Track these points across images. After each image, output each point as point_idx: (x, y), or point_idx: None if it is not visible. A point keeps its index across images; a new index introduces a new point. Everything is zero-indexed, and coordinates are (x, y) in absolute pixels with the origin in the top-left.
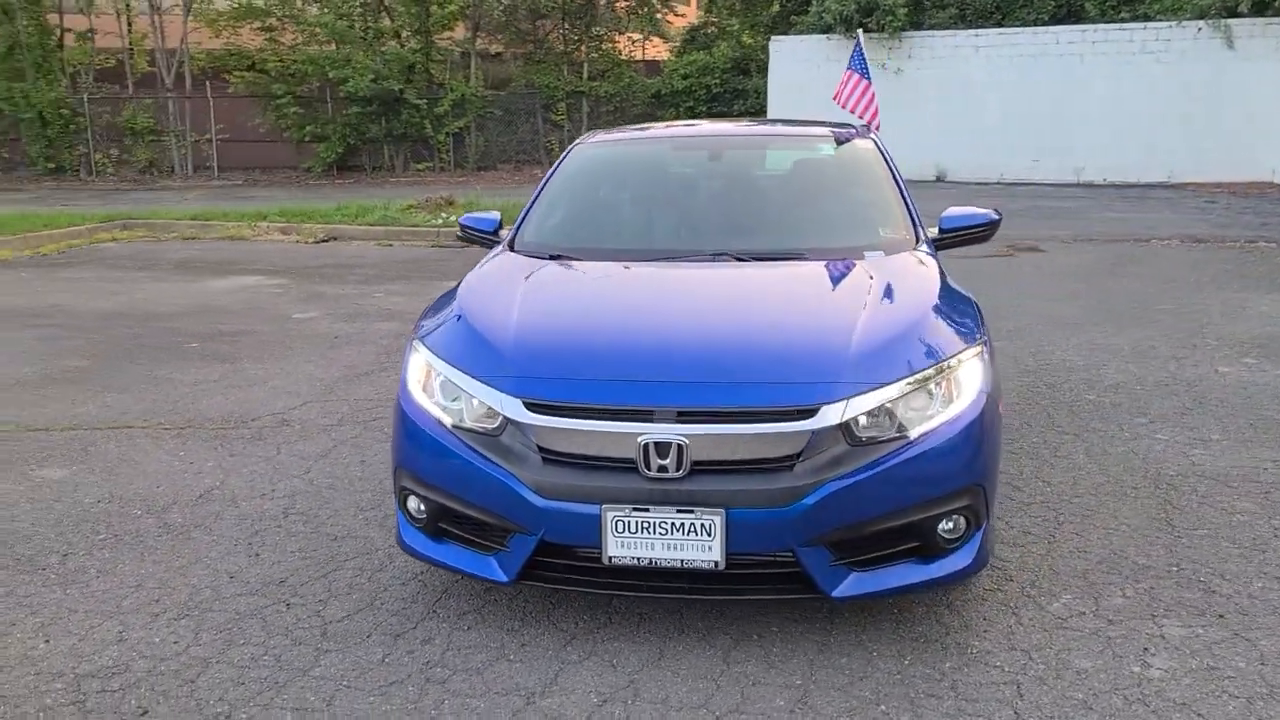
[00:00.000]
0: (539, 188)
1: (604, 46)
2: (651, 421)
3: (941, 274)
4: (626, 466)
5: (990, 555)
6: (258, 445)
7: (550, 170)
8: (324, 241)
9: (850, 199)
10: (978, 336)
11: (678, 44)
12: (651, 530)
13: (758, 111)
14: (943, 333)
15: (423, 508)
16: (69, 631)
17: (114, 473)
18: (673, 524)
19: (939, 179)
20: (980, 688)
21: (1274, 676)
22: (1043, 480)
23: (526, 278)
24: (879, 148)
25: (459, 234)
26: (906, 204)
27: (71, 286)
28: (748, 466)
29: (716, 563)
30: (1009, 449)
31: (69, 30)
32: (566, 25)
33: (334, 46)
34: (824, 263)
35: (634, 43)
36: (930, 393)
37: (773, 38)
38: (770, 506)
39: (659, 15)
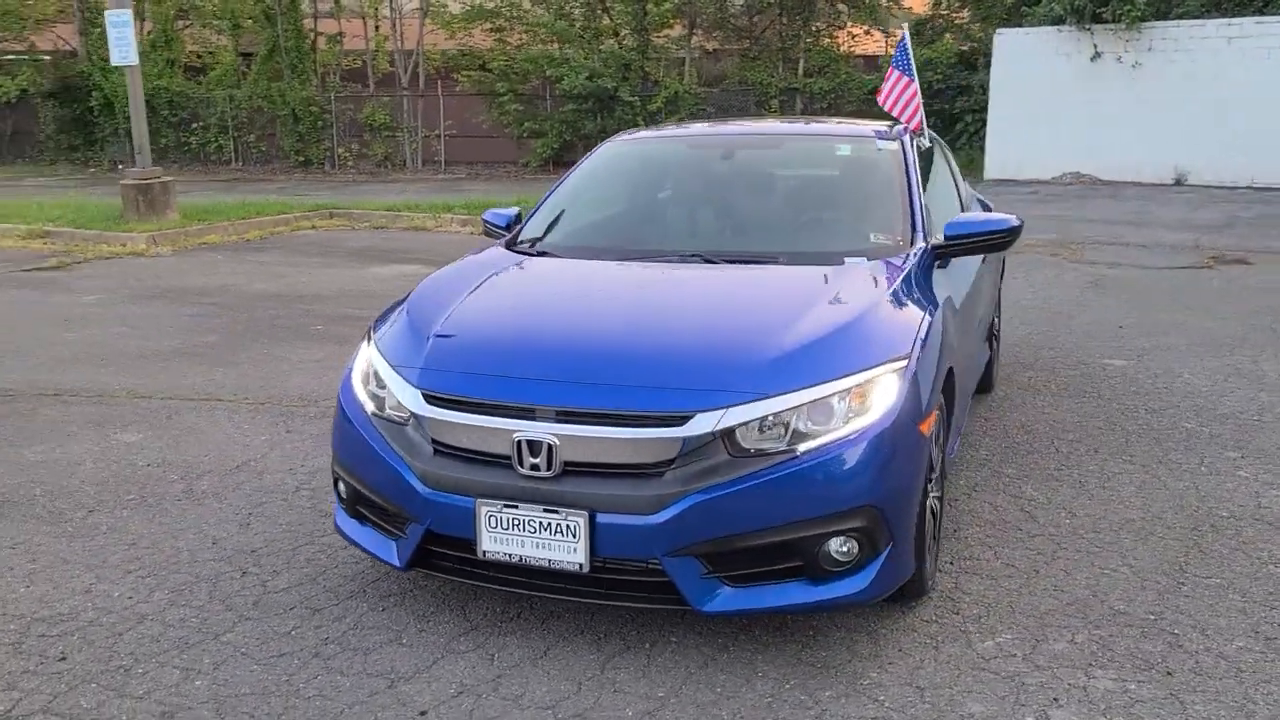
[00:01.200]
0: (557, 183)
1: (823, 42)
2: (533, 420)
3: (913, 283)
4: (504, 463)
5: (914, 583)
6: (315, 424)
7: (573, 167)
8: None
9: (850, 203)
10: (904, 353)
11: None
12: (521, 528)
13: (979, 110)
14: (865, 347)
15: (345, 491)
16: (50, 579)
17: (178, 440)
18: (540, 523)
19: (1177, 182)
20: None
21: None
22: (1068, 511)
23: (492, 274)
24: (905, 150)
25: (483, 229)
26: (913, 210)
27: (250, 269)
28: (618, 470)
29: (581, 565)
30: (1053, 474)
31: (321, 34)
32: (784, 20)
33: (556, 46)
34: (791, 267)
35: (853, 38)
36: (833, 407)
37: (998, 30)
38: (634, 512)
39: (883, 6)
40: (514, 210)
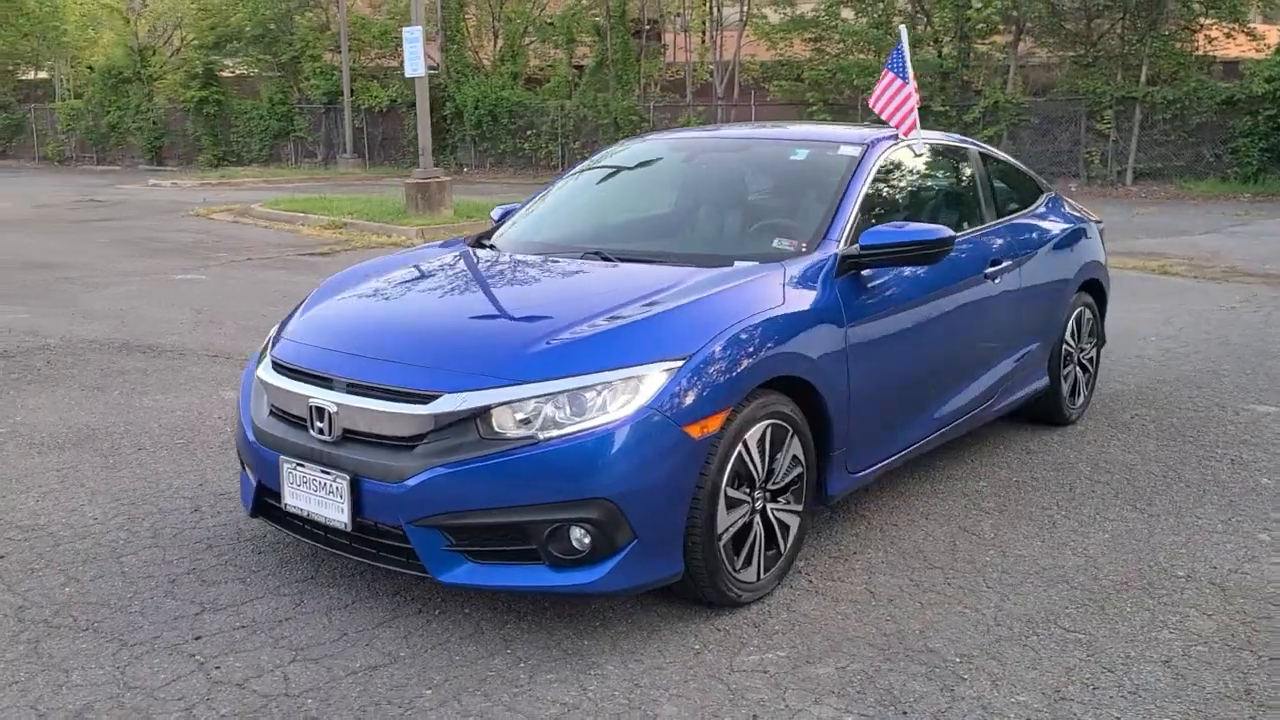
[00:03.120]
0: (551, 182)
1: (1174, 45)
2: (329, 389)
3: (775, 288)
4: (303, 425)
5: (711, 589)
6: None
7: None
8: None
9: (775, 207)
10: (684, 354)
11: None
12: (309, 486)
13: None
14: (641, 346)
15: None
16: (55, 498)
17: None
18: (320, 482)
19: None
20: (539, 703)
21: None
22: (999, 551)
23: (405, 263)
24: (863, 157)
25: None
26: (834, 217)
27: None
28: (381, 441)
29: (346, 525)
30: (1033, 514)
31: (647, 47)
32: (1126, 22)
33: (873, 55)
34: (663, 267)
35: (1210, 41)
36: (586, 400)
37: None
38: (384, 480)
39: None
40: (513, 206)
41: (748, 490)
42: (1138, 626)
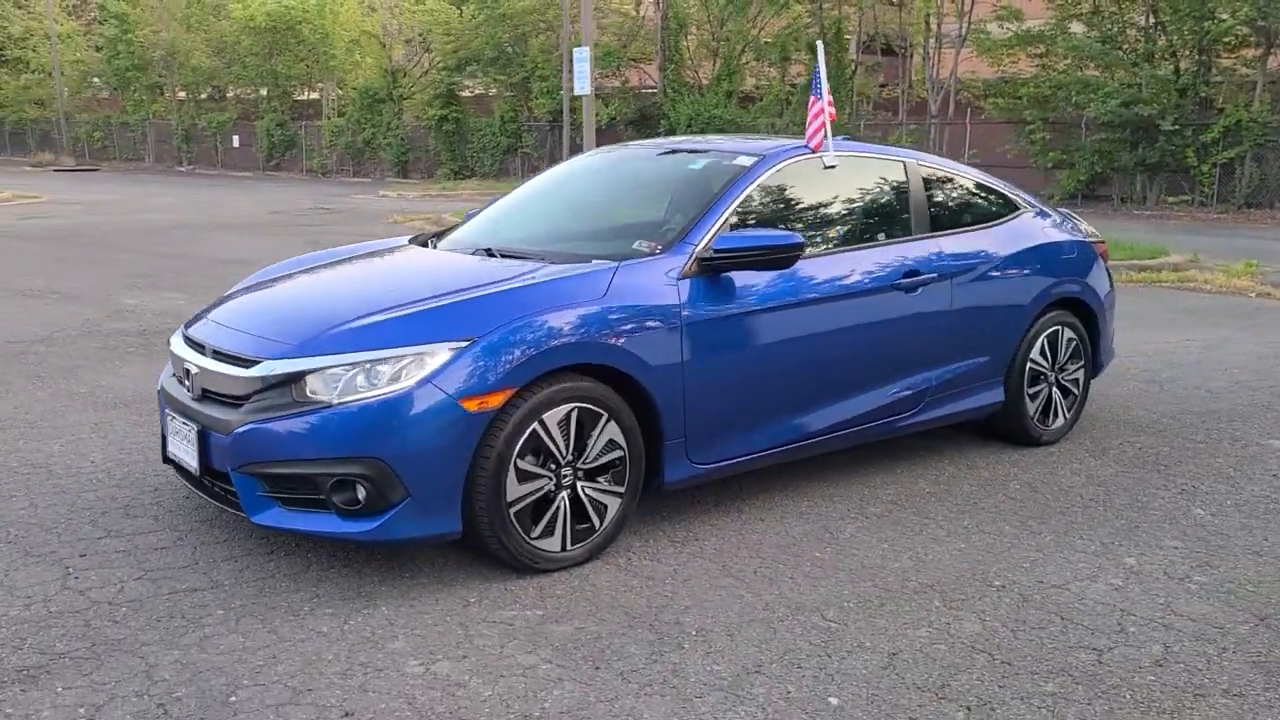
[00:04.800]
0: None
1: None
2: (202, 354)
3: (599, 284)
4: (184, 385)
5: (504, 549)
6: None
7: None
8: None
9: (653, 212)
10: (472, 336)
11: None
12: (178, 436)
13: None
14: (434, 327)
15: None
16: (77, 445)
17: None
18: (183, 433)
19: None
20: (299, 630)
21: None
22: (822, 551)
23: (333, 256)
24: (750, 168)
25: None
26: (697, 223)
27: None
28: (222, 399)
29: (196, 469)
30: (910, 523)
31: (861, 64)
32: None
33: (1103, 72)
34: (513, 261)
35: None
36: (376, 373)
37: None
38: (220, 432)
39: None
40: (475, 211)
41: (552, 466)
42: (899, 623)
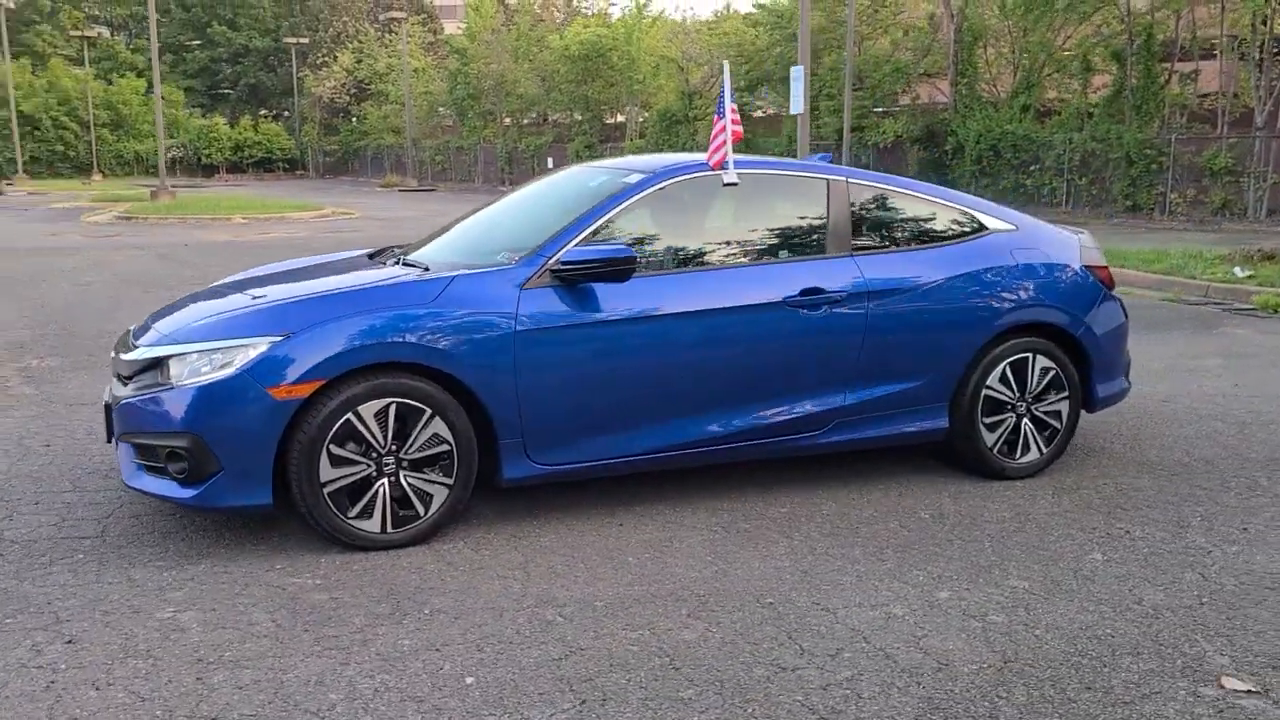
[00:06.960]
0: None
1: None
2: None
3: (439, 291)
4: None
5: (320, 520)
6: None
7: None
8: None
9: (534, 225)
10: (287, 332)
11: None
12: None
13: None
14: (260, 323)
15: None
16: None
17: None
18: (108, 407)
19: None
20: (102, 580)
21: None
22: (657, 564)
23: (293, 264)
24: (637, 185)
25: None
26: (559, 236)
27: None
28: (121, 379)
29: (108, 440)
30: (770, 533)
31: (1175, 72)
32: None
33: None
34: (407, 269)
35: None
36: (213, 360)
37: None
38: (114, 406)
39: None
40: None
41: (373, 455)
42: (619, 625)
